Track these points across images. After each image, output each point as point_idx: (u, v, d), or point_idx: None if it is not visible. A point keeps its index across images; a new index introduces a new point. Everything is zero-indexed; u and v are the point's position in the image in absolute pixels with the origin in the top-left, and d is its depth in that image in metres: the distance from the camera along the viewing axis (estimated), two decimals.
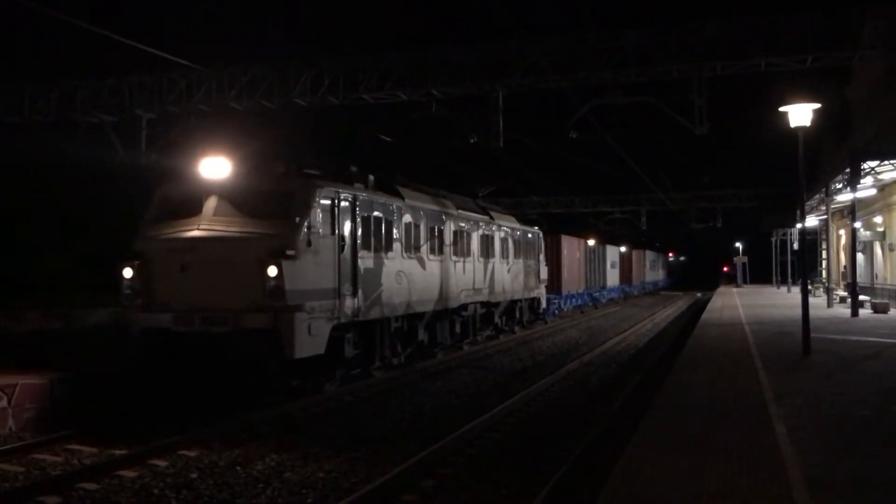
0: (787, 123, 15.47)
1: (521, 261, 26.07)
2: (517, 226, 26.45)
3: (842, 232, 42.70)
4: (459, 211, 20.76)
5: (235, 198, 13.21)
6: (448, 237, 19.47)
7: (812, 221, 40.29)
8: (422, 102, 22.50)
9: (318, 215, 13.24)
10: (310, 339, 12.65)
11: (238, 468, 9.84)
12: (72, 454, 10.61)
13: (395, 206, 16.44)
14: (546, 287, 30.61)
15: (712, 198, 52.89)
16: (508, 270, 24.63)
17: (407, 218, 16.98)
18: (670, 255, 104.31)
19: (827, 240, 39.55)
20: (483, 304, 22.55)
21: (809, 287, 20.46)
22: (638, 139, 33.86)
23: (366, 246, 14.84)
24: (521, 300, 26.64)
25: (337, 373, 14.56)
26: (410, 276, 16.92)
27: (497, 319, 24.43)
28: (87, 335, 20.55)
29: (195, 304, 12.62)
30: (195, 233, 12.88)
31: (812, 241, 43.17)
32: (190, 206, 13.34)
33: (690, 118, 19.86)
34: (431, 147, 27.87)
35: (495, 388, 16.15)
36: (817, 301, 33.35)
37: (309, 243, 12.81)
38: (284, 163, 14.23)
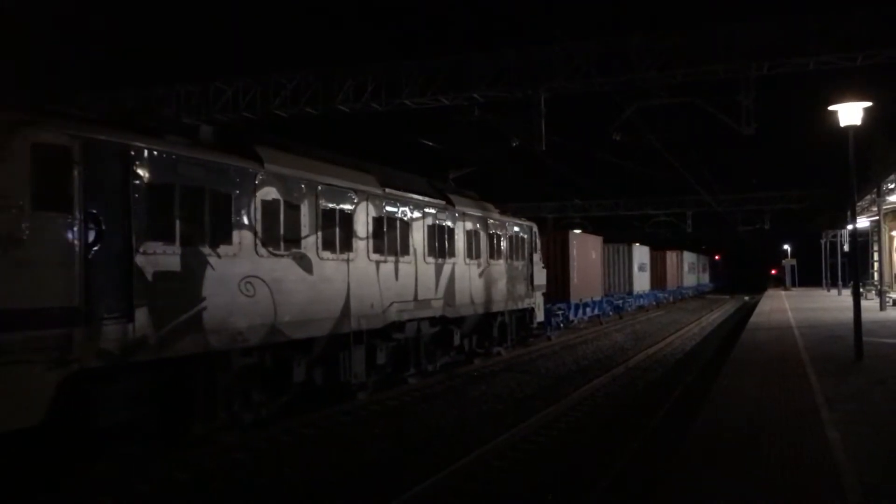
0: (837, 122, 15.15)
1: (501, 262, 20.17)
2: (497, 217, 20.33)
3: (894, 233, 41.71)
4: (388, 190, 14.89)
5: None
6: (363, 226, 13.79)
7: (863, 223, 39.41)
8: (464, 107, 22.57)
9: (25, 178, 7.97)
10: None
11: None
12: None
13: (240, 174, 10.80)
14: (549, 294, 25.77)
15: (759, 199, 52.21)
16: (480, 274, 18.76)
17: (269, 194, 11.38)
18: (717, 257, 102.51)
19: (879, 241, 38.68)
20: (435, 320, 16.87)
21: (861, 290, 20.01)
22: (683, 141, 33.26)
23: (162, 234, 9.40)
24: (503, 312, 20.59)
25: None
26: (278, 284, 11.41)
27: (459, 341, 18.16)
28: None
29: None
30: None
31: (863, 242, 42.18)
32: None
33: (737, 119, 19.64)
34: (474, 151, 27.75)
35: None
36: (869, 304, 32.61)
37: None
38: None
